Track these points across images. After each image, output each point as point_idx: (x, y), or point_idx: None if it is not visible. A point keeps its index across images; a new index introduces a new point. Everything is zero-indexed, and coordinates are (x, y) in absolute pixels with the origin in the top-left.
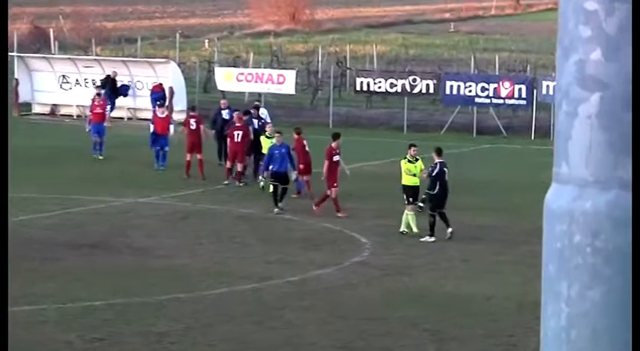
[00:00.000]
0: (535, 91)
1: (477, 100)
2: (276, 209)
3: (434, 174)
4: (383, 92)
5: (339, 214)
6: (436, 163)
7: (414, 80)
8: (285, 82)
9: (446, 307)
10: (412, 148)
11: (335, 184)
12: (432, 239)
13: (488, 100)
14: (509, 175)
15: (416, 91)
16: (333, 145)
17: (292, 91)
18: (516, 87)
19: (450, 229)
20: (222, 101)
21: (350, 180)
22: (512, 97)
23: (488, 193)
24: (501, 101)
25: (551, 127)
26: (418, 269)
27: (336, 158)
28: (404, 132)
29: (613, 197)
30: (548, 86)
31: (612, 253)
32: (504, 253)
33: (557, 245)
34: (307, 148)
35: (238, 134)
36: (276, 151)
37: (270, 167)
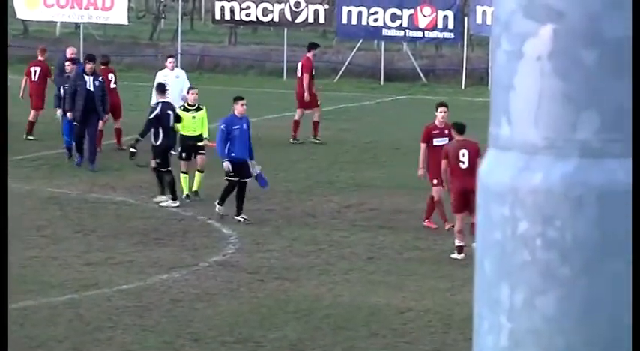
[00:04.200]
0: (466, 20)
1: (385, 32)
2: (219, 207)
3: (151, 117)
4: (253, 22)
5: (429, 225)
6: (157, 104)
7: (297, 5)
8: (113, 8)
9: (343, 324)
10: None
11: (436, 181)
12: (176, 204)
13: (401, 33)
14: None
15: (300, 20)
16: (437, 122)
17: (124, 21)
18: (440, 14)
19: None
20: (69, 50)
21: (209, 148)
22: (434, 29)
23: (401, 163)
24: (419, 34)
25: (489, 71)
26: (304, 272)
27: (439, 141)
28: (283, 78)
29: (572, 169)
30: (484, 14)
31: (571, 246)
32: (424, 247)
33: (496, 236)
34: (113, 85)
35: (36, 71)
36: (236, 128)
37: (227, 151)
